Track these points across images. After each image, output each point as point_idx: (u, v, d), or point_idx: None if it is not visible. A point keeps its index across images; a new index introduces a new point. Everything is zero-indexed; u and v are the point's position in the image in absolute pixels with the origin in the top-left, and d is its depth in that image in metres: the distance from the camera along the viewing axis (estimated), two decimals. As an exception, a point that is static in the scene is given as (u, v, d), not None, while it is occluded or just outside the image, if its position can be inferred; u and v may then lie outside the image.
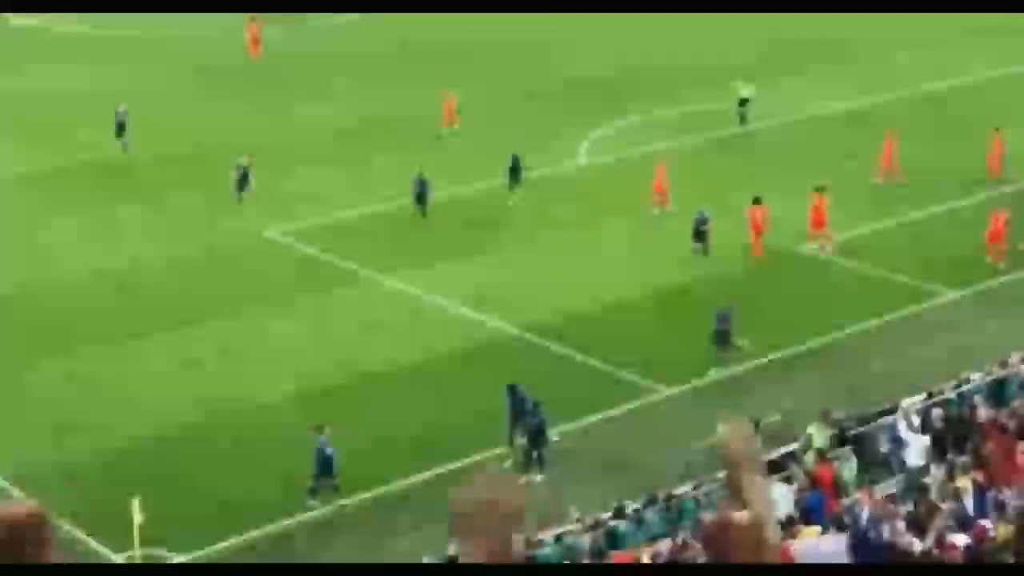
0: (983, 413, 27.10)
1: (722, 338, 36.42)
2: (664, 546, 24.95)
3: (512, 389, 32.62)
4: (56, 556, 5.37)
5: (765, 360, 37.14)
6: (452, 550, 25.66)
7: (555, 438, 33.17)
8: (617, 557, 25.24)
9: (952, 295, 41.77)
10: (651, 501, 28.00)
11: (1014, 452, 25.39)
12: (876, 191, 49.65)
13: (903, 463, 28.06)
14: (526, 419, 31.99)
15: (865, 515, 23.79)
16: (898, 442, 27.27)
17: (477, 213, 47.85)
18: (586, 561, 25.61)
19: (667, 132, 56.37)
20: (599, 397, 35.32)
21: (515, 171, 48.62)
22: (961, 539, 21.22)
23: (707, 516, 25.59)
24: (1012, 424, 26.49)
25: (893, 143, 50.61)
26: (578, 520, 27.26)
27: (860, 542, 21.34)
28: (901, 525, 22.35)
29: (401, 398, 35.41)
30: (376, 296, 41.70)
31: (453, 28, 71.25)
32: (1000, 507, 22.95)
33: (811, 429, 29.26)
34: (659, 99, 60.74)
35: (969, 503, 22.72)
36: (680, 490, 28.71)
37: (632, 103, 60.11)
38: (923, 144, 53.12)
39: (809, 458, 28.47)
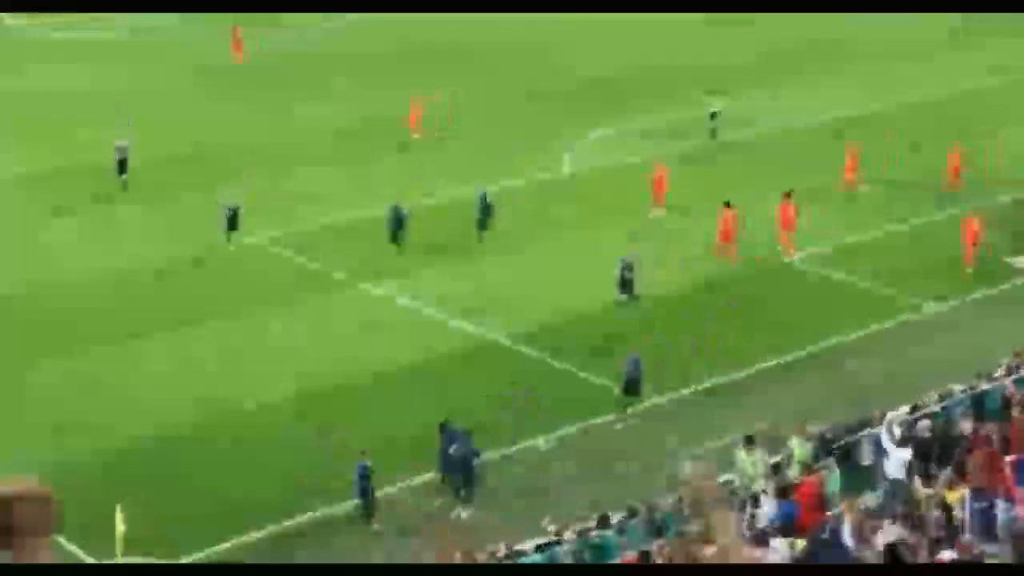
0: (966, 425, 27.09)
1: (632, 386, 35.44)
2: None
3: (443, 427, 31.73)
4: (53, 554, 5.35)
5: (758, 367, 37.19)
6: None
7: (542, 445, 33.15)
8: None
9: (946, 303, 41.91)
10: (632, 513, 27.92)
11: (999, 464, 25.36)
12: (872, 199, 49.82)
13: (883, 474, 28.02)
14: (455, 455, 31.05)
15: (847, 529, 23.71)
16: (881, 454, 27.26)
17: (462, 220, 47.86)
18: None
19: (664, 135, 56.51)
20: (589, 403, 35.26)
21: (486, 210, 45.35)
22: (947, 555, 21.17)
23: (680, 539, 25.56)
24: (996, 437, 26.47)
25: (856, 154, 50.91)
26: (556, 533, 27.10)
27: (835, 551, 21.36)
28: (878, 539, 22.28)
29: (399, 400, 35.54)
30: (374, 298, 41.70)
31: (453, 29, 71.50)
32: (990, 520, 22.91)
33: (792, 442, 29.23)
34: (658, 101, 60.96)
35: (959, 514, 22.70)
36: (665, 501, 28.59)
37: (631, 104, 60.33)
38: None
39: (793, 471, 28.44)
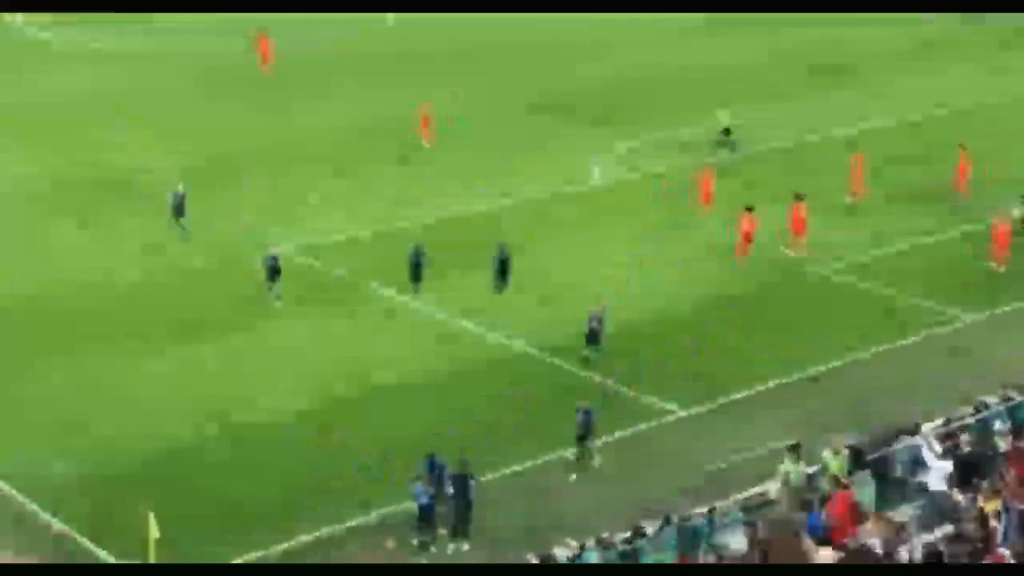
0: (1004, 439, 27.02)
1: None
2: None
3: (431, 460, 30.41)
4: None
5: (775, 383, 37.08)
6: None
7: (569, 455, 33.14)
8: None
9: (968, 316, 41.79)
10: (666, 522, 27.80)
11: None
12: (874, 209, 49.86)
13: (920, 487, 27.91)
14: (445, 489, 29.77)
15: (878, 543, 23.65)
16: (917, 466, 27.14)
17: (486, 225, 47.89)
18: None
19: (682, 147, 56.50)
20: (611, 416, 35.19)
21: (504, 263, 42.66)
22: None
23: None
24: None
25: (863, 164, 51.29)
26: (580, 548, 26.96)
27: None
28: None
29: (405, 409, 35.28)
30: (382, 307, 41.49)
31: (469, 35, 71.78)
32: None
33: (825, 454, 29.12)
34: (677, 115, 61.14)
35: (998, 527, 22.65)
36: (692, 512, 28.52)
37: (644, 119, 60.40)
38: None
39: (825, 484, 28.33)
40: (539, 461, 32.90)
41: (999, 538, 23.16)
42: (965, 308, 42.16)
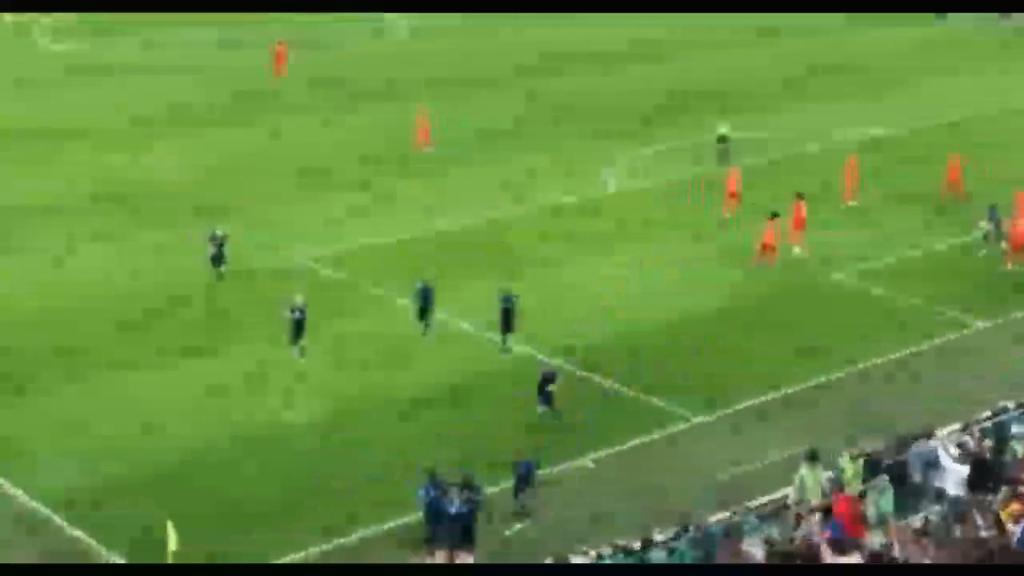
0: (1020, 443, 26.98)
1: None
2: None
3: (432, 478, 29.60)
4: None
5: (791, 390, 37.08)
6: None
7: (590, 464, 33.11)
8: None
9: (980, 323, 41.74)
10: (684, 529, 27.79)
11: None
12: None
13: (937, 492, 27.89)
14: (445, 508, 29.00)
15: (896, 549, 23.63)
16: (934, 470, 27.09)
17: (503, 236, 48.02)
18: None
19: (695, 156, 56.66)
20: (628, 423, 35.18)
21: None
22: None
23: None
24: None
25: (855, 167, 51.65)
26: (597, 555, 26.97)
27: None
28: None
29: (426, 422, 35.26)
30: (402, 319, 41.51)
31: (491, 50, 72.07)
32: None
33: (842, 460, 29.09)
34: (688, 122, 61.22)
35: (1016, 531, 22.60)
36: (711, 519, 28.50)
37: (661, 127, 60.49)
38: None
39: (846, 489, 28.30)
40: (554, 470, 32.89)
41: (1014, 543, 23.10)
42: (976, 313, 42.10)
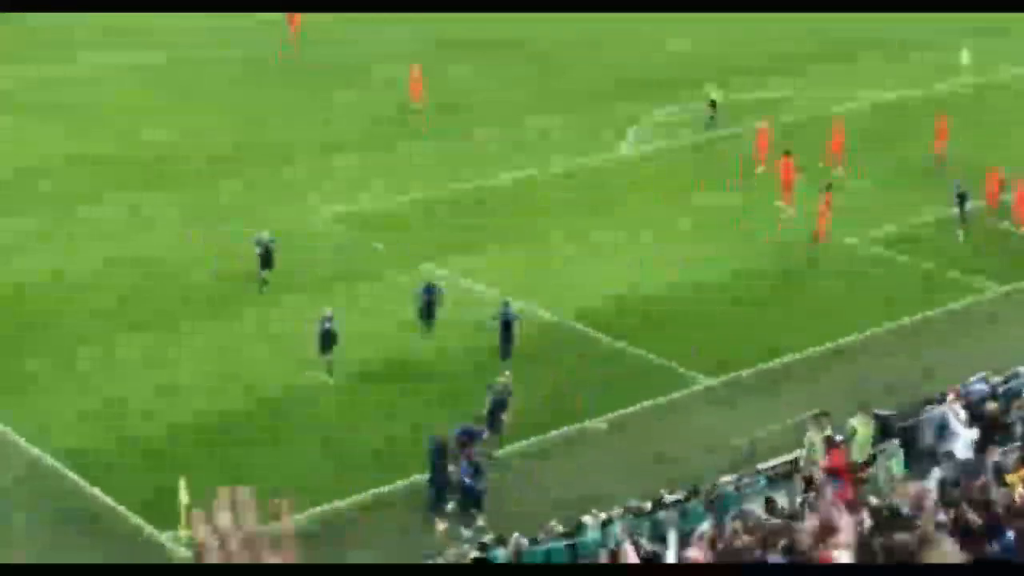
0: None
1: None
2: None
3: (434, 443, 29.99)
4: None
5: (802, 354, 37.13)
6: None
7: (603, 426, 33.27)
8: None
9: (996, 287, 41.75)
10: (694, 492, 27.94)
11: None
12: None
13: (947, 454, 27.96)
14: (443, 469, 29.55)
15: (905, 510, 23.63)
16: (945, 433, 27.16)
17: (520, 201, 48.06)
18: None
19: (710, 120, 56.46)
20: (641, 386, 35.32)
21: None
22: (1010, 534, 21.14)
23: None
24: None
25: (839, 135, 51.01)
26: (605, 518, 27.10)
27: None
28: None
29: (442, 388, 35.39)
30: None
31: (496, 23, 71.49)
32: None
33: (853, 421, 29.17)
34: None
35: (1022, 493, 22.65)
36: (721, 480, 28.63)
37: (679, 92, 60.18)
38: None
39: (854, 451, 28.40)
40: (566, 429, 33.02)
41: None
42: (988, 276, 42.14)
